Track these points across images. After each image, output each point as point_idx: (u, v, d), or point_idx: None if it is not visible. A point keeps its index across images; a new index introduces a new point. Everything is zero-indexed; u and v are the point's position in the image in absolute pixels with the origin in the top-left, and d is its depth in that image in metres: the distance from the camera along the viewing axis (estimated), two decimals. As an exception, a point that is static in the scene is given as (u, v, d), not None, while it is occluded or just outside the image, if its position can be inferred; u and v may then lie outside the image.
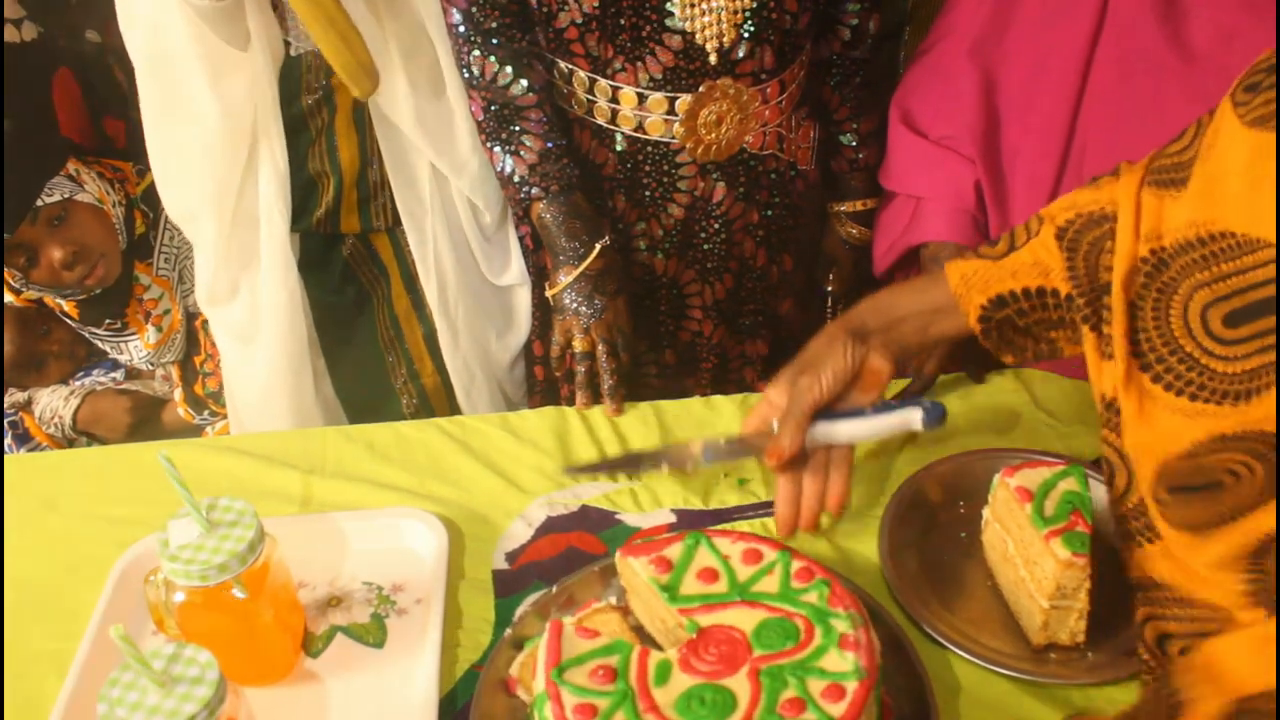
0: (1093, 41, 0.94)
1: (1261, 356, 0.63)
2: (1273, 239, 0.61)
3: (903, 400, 0.80)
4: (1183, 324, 0.68)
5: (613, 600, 0.78)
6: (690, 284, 1.22)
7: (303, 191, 1.16)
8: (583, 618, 0.74)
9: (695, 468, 0.86)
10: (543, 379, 1.31)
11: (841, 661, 0.66)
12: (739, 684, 0.65)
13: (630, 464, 0.92)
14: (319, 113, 1.13)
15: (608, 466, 0.93)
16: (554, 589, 0.79)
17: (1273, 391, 0.61)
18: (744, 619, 0.69)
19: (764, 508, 0.91)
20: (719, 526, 0.87)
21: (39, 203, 1.37)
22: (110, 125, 1.54)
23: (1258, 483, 0.63)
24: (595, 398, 1.04)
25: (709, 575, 0.72)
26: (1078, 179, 0.98)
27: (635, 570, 0.74)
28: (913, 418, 0.78)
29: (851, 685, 0.64)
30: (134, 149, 1.54)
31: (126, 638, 0.61)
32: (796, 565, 0.73)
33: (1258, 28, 0.85)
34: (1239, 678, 0.54)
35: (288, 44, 1.09)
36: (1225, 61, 0.87)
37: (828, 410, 0.80)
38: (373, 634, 0.81)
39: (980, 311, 0.79)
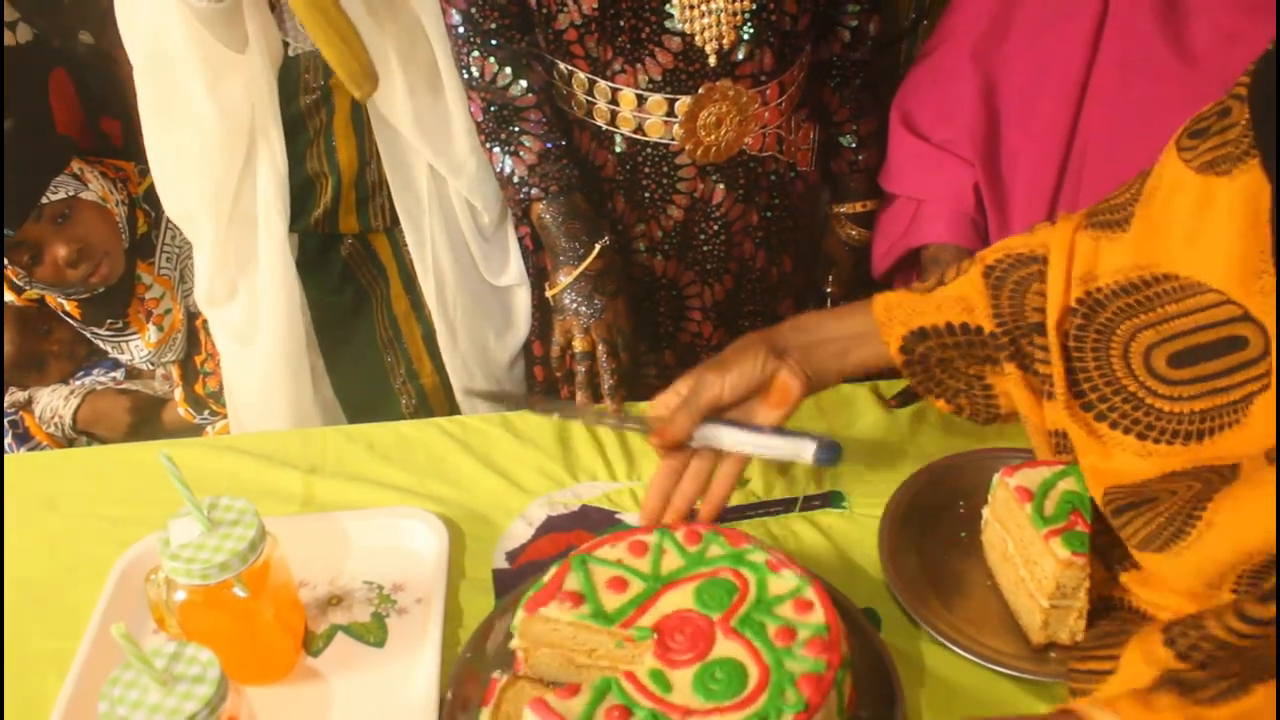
0: (1093, 44, 0.94)
1: (1213, 398, 0.64)
2: (1216, 284, 0.62)
3: (803, 431, 0.80)
4: (1124, 364, 0.69)
5: (498, 674, 0.74)
6: (689, 285, 1.22)
7: (301, 192, 1.16)
8: (506, 703, 0.71)
9: (586, 424, 0.90)
10: (542, 379, 1.31)
11: (784, 581, 0.71)
12: (728, 648, 0.66)
13: (525, 403, 0.92)
14: (317, 113, 1.13)
15: (502, 397, 0.94)
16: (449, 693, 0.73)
17: (1226, 434, 0.63)
18: (679, 599, 0.70)
19: (763, 507, 0.91)
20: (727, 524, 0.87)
21: (43, 200, 1.37)
22: (106, 124, 1.54)
23: (1191, 493, 0.63)
24: (595, 397, 1.05)
25: (618, 584, 0.71)
26: (1077, 182, 0.99)
27: (553, 617, 0.70)
28: (805, 450, 0.78)
29: (809, 592, 0.70)
30: (130, 148, 1.55)
31: (128, 636, 0.61)
32: (679, 534, 0.75)
33: (1258, 30, 0.85)
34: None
35: (286, 44, 1.09)
36: (1226, 64, 0.87)
37: (727, 419, 0.80)
38: (373, 633, 0.81)
39: (901, 342, 0.80)
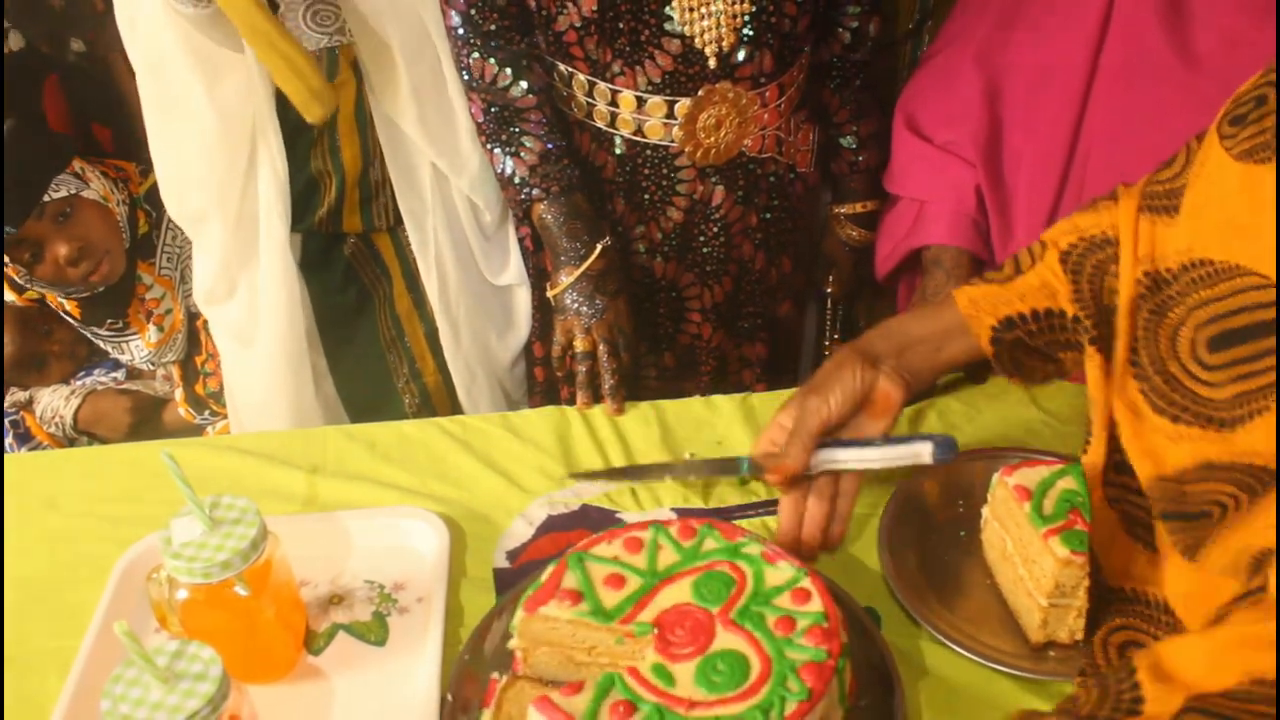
0: (1097, 48, 0.94)
1: (1240, 384, 0.64)
2: (1256, 266, 0.62)
3: (914, 434, 0.80)
4: (1170, 347, 0.69)
5: (496, 675, 0.73)
6: (689, 287, 1.22)
7: (305, 191, 1.16)
8: (507, 703, 0.71)
9: (698, 478, 0.88)
10: (543, 380, 1.31)
11: (780, 572, 0.72)
12: (729, 640, 0.67)
13: (635, 474, 0.93)
14: None
15: (611, 475, 0.94)
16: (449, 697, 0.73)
17: (1258, 422, 0.62)
18: (677, 593, 0.71)
19: (764, 506, 0.92)
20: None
21: (45, 199, 1.38)
22: (98, 131, 1.55)
23: (1242, 514, 0.64)
24: (596, 397, 1.05)
25: (616, 581, 0.72)
26: (1080, 186, 0.99)
27: (552, 615, 0.70)
28: (923, 451, 0.78)
29: (806, 582, 0.71)
30: (122, 155, 1.56)
31: (130, 633, 0.61)
32: (673, 530, 0.75)
33: (1262, 35, 0.86)
34: (1193, 679, 0.54)
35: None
36: (1229, 68, 0.86)
37: (837, 439, 0.80)
38: (374, 632, 0.81)
39: (991, 333, 0.80)
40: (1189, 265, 0.68)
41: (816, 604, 0.69)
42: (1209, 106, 0.88)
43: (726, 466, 0.89)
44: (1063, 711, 0.58)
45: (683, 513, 0.91)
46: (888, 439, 0.80)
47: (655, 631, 0.68)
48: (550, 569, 0.73)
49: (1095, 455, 0.76)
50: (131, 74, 1.12)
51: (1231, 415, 0.64)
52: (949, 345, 0.82)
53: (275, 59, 0.98)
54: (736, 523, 0.89)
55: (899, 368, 0.81)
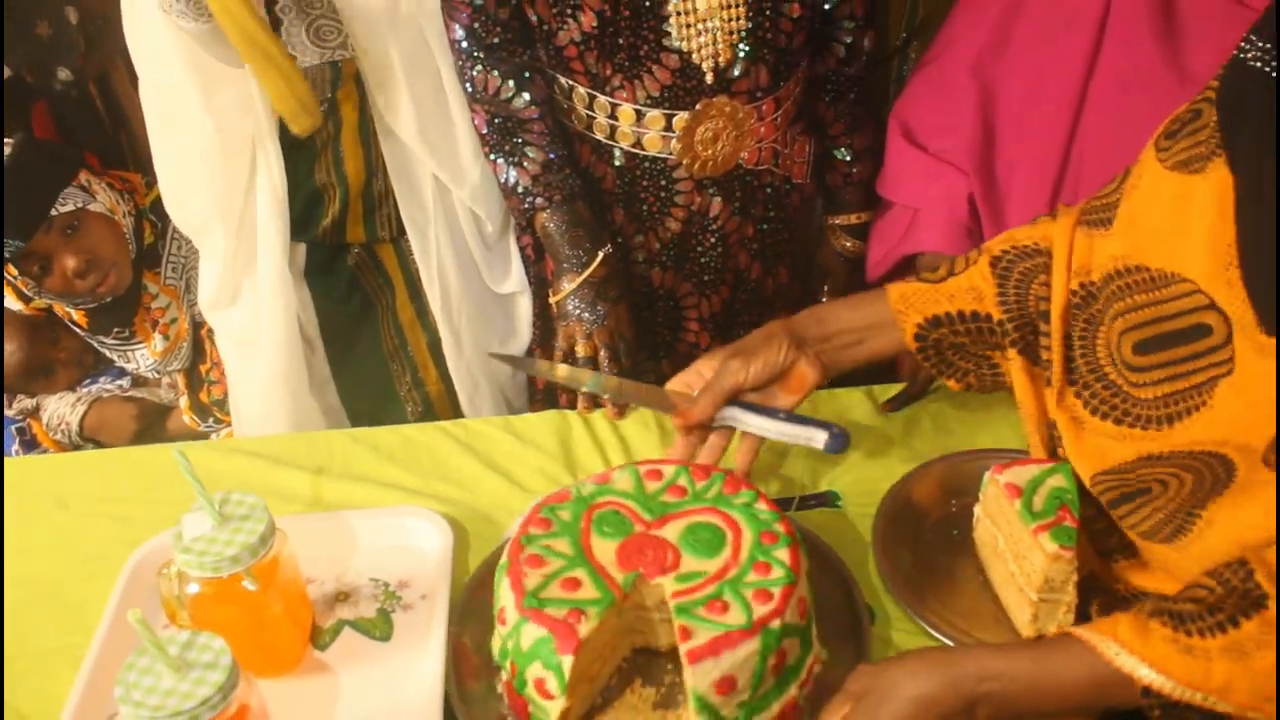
0: (1091, 59, 0.96)
1: (1174, 383, 0.67)
2: (1189, 275, 0.65)
3: (814, 418, 0.85)
4: (1106, 353, 0.72)
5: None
6: (687, 296, 1.24)
7: (309, 202, 1.18)
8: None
9: (607, 397, 0.97)
10: (542, 387, 1.33)
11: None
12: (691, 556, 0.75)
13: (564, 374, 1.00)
14: (324, 125, 1.14)
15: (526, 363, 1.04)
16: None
17: (1195, 417, 0.66)
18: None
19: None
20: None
21: (53, 211, 1.40)
22: (88, 158, 1.57)
23: (1185, 490, 0.66)
24: (597, 402, 1.07)
25: (570, 584, 0.74)
26: (1074, 196, 1.00)
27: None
28: (818, 436, 0.84)
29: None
30: (120, 167, 1.58)
31: (144, 621, 0.63)
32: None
33: None
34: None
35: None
36: None
37: (747, 402, 0.85)
38: (379, 628, 0.82)
39: (916, 330, 0.84)
40: (1121, 271, 0.71)
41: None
42: None
43: (652, 398, 0.92)
44: (1160, 612, 0.61)
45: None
46: (790, 415, 0.85)
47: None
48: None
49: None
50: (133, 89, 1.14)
51: (1167, 413, 0.68)
52: (874, 339, 0.86)
53: (269, 70, 1.01)
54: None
55: (820, 353, 0.86)
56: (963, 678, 0.63)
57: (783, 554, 0.75)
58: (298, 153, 1.15)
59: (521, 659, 0.71)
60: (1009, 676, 0.63)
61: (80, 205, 1.43)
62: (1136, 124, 0.93)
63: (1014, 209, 1.05)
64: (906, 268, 1.13)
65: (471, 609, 0.80)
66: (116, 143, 1.73)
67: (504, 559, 0.76)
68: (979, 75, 1.04)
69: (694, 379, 0.87)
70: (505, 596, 0.73)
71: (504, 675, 0.74)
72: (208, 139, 1.10)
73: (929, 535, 0.89)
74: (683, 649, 0.69)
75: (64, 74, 1.64)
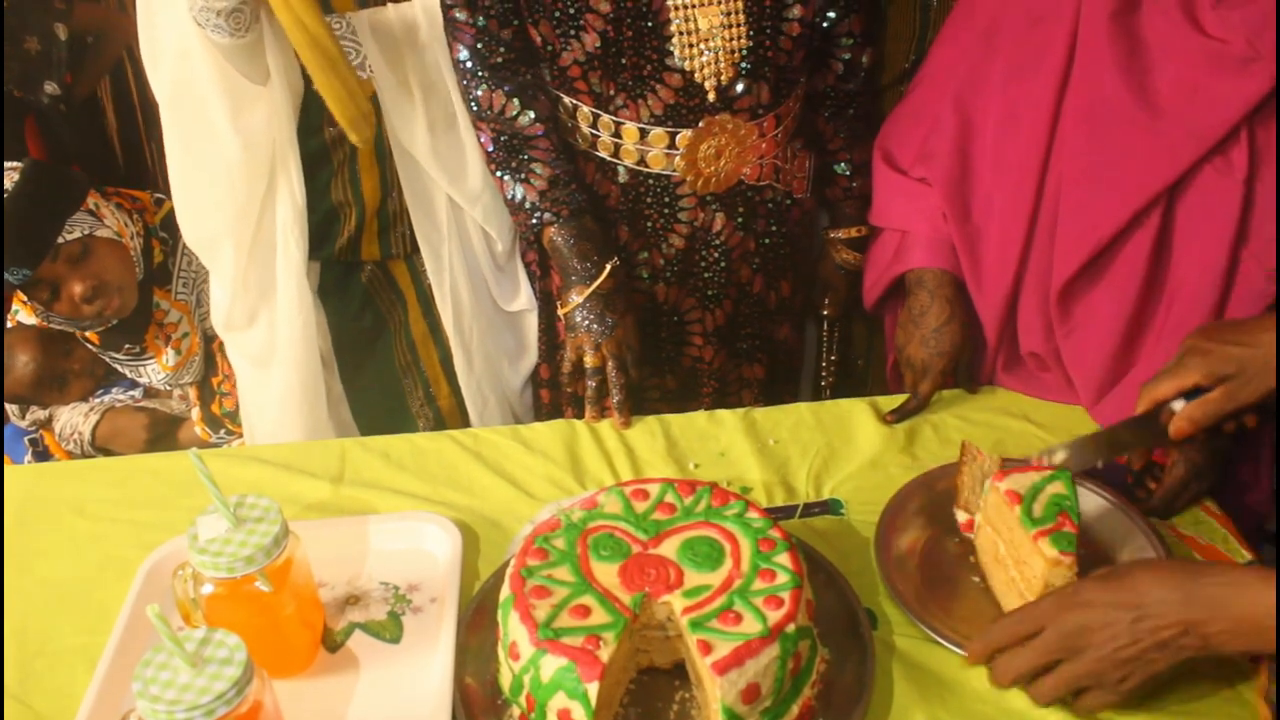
0: (1059, 94, 0.97)
1: None
2: None
3: None
4: None
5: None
6: (691, 311, 1.26)
7: (325, 221, 1.20)
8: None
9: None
10: (548, 401, 1.35)
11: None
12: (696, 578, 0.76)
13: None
14: (341, 145, 1.17)
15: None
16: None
17: None
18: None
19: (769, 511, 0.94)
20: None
21: (60, 239, 1.40)
22: (75, 170, 1.60)
23: None
24: (604, 412, 1.08)
25: (581, 612, 0.74)
26: (1051, 227, 1.00)
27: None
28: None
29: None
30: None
31: (161, 616, 0.64)
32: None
33: (1219, 82, 0.88)
34: None
35: (308, 79, 1.14)
36: (1190, 113, 0.90)
37: None
38: (389, 630, 0.84)
39: None
40: None
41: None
42: (1171, 151, 0.90)
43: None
44: None
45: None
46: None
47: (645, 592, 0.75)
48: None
49: None
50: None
51: None
52: None
53: (332, 79, 1.00)
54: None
55: None
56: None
57: (784, 559, 0.76)
58: (315, 171, 1.16)
59: (542, 691, 0.70)
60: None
61: (87, 232, 1.42)
62: (1109, 154, 0.94)
63: (992, 241, 1.05)
64: (900, 288, 1.15)
65: (470, 646, 0.79)
66: (107, 156, 1.75)
67: (507, 593, 0.75)
68: (959, 108, 1.05)
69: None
70: (516, 631, 0.73)
71: (516, 711, 0.74)
72: (231, 155, 1.11)
73: (930, 542, 0.91)
74: (706, 662, 0.69)
75: (51, 88, 1.67)
